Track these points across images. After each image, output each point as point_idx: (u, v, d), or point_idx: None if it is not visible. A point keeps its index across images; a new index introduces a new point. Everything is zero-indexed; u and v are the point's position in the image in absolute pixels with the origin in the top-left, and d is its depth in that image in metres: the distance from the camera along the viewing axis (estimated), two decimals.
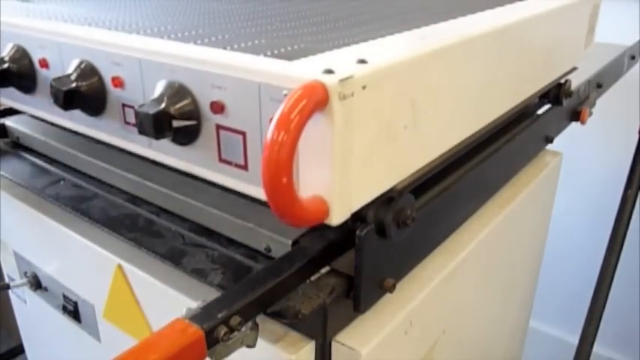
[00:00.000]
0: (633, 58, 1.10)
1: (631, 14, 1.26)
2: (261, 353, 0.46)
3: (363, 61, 0.40)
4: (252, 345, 0.41)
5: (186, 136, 0.46)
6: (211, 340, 0.37)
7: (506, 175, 0.73)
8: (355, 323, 0.49)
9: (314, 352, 0.48)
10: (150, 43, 0.48)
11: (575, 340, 1.16)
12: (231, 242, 0.52)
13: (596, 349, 1.17)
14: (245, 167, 0.44)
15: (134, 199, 0.59)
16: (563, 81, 0.76)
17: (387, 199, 0.45)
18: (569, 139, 0.90)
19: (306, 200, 0.38)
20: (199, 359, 0.36)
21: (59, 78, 0.51)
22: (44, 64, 0.57)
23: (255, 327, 0.42)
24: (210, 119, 0.44)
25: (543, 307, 1.28)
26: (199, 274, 0.48)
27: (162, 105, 0.44)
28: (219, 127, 0.44)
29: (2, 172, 0.67)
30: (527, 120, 0.74)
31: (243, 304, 0.39)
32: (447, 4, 0.69)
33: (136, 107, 0.44)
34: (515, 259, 0.86)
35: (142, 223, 0.56)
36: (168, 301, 0.54)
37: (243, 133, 0.43)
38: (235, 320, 0.38)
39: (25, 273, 0.76)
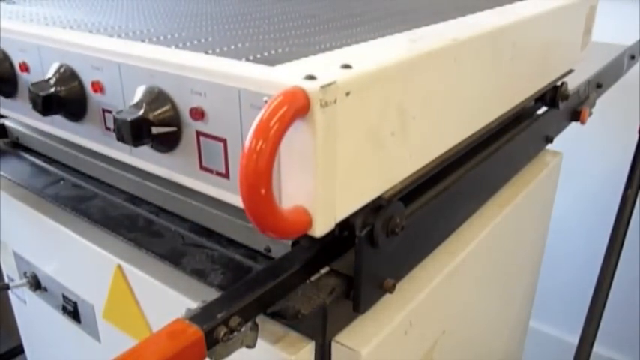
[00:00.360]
0: (633, 58, 1.10)
1: (631, 14, 1.26)
2: (261, 353, 0.46)
3: (347, 66, 0.38)
4: (252, 345, 0.41)
5: (166, 143, 0.45)
6: (211, 340, 0.37)
7: (506, 175, 0.73)
8: (355, 323, 0.49)
9: (314, 352, 0.48)
10: (130, 46, 0.47)
11: (575, 340, 1.16)
12: (231, 242, 0.52)
13: (596, 349, 1.17)
14: (226, 175, 0.43)
15: (134, 199, 0.59)
16: (559, 83, 0.76)
17: (375, 207, 0.44)
18: (569, 139, 0.90)
19: (287, 211, 0.37)
20: None
21: (38, 83, 0.50)
22: (25, 67, 0.55)
23: (255, 327, 0.42)
24: (191, 126, 0.43)
25: (543, 307, 1.28)
26: (199, 274, 0.48)
27: (141, 111, 0.43)
28: (199, 133, 0.43)
29: (2, 172, 0.67)
30: (526, 120, 0.74)
31: (243, 305, 0.39)
32: (442, 5, 0.69)
33: (114, 113, 0.43)
34: (516, 259, 0.86)
35: (141, 223, 0.56)
36: (168, 301, 0.54)
37: (224, 141, 0.42)
38: (235, 320, 0.38)
39: (25, 273, 0.76)
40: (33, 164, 0.68)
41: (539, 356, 1.44)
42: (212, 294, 0.44)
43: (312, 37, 0.51)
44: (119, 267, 0.59)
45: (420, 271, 0.56)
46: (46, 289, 0.74)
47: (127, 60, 0.46)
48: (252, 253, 0.50)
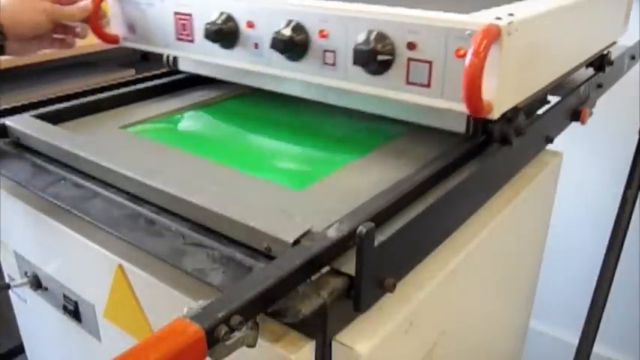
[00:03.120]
0: (633, 58, 1.10)
1: (631, 14, 1.26)
2: (261, 353, 0.46)
3: (511, 15, 0.57)
4: (252, 345, 0.41)
5: (382, 67, 0.62)
6: (212, 339, 0.37)
7: (507, 175, 0.73)
8: (355, 323, 0.49)
9: (314, 352, 0.48)
10: (356, 6, 0.64)
11: (575, 340, 1.16)
12: (231, 242, 0.52)
13: (596, 349, 1.17)
14: (428, 86, 0.61)
15: (134, 199, 0.59)
16: (606, 52, 0.93)
17: (507, 117, 0.64)
18: (569, 139, 0.90)
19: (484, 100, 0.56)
20: (200, 359, 0.37)
21: (279, 31, 0.67)
22: (250, 24, 0.72)
23: (256, 327, 0.42)
24: (403, 54, 0.61)
25: (543, 307, 1.29)
26: (199, 273, 0.48)
27: (371, 45, 0.61)
28: (410, 59, 0.61)
29: (2, 172, 0.67)
30: (527, 120, 0.74)
31: (243, 304, 0.39)
32: None
33: (355, 46, 0.62)
34: (516, 259, 0.86)
35: (142, 223, 0.56)
36: (169, 300, 0.54)
37: (430, 62, 0.60)
38: (236, 320, 0.38)
39: (26, 273, 0.76)
40: (33, 164, 0.68)
41: (539, 356, 1.45)
42: (213, 293, 0.44)
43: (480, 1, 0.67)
44: (120, 266, 0.59)
45: (421, 270, 0.56)
46: (46, 289, 0.74)
47: (355, 14, 0.63)
48: (252, 252, 0.50)
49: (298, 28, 0.68)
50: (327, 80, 0.69)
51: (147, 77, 0.95)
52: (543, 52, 0.67)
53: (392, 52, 0.62)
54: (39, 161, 0.69)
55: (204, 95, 0.91)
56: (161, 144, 0.74)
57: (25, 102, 0.80)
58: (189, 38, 0.79)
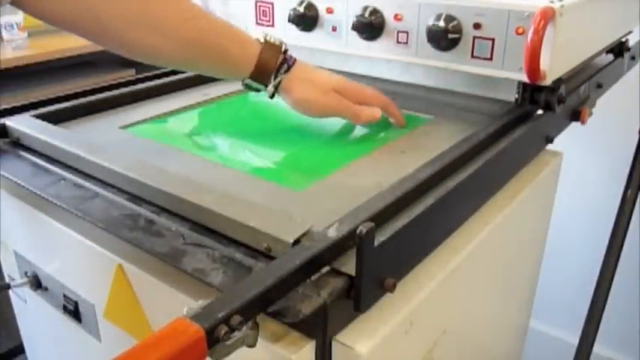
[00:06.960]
0: (633, 58, 1.10)
1: None
2: (261, 353, 0.46)
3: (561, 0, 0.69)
4: (252, 345, 0.41)
5: (451, 44, 0.74)
6: (212, 339, 0.37)
7: (507, 175, 0.73)
8: (356, 323, 0.49)
9: (314, 351, 0.48)
10: None
11: (575, 340, 1.16)
12: (231, 242, 0.52)
13: (596, 349, 1.17)
14: (490, 59, 0.73)
15: (135, 199, 0.59)
16: (624, 40, 1.04)
17: (550, 88, 0.74)
18: (569, 139, 0.90)
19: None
20: (200, 359, 0.37)
21: (361, 14, 0.79)
22: (330, 10, 0.84)
23: (256, 327, 0.42)
24: (469, 33, 0.74)
25: (543, 307, 1.28)
26: (200, 273, 0.48)
27: (443, 25, 0.73)
28: (475, 37, 0.74)
29: (2, 172, 0.67)
30: (527, 120, 0.74)
31: (243, 304, 0.39)
32: None
33: (429, 26, 0.75)
34: (516, 259, 0.86)
35: (142, 223, 0.56)
36: (169, 300, 0.54)
37: (493, 39, 0.72)
38: (236, 320, 0.38)
39: (26, 273, 0.76)
40: (33, 164, 0.68)
41: (539, 356, 1.44)
42: (212, 293, 0.44)
43: None
44: (120, 266, 0.59)
45: (421, 270, 0.56)
46: (46, 289, 0.74)
47: (427, 1, 0.76)
48: (252, 252, 0.50)
49: (375, 12, 0.80)
50: (399, 57, 0.80)
51: (147, 77, 0.95)
52: (581, 33, 0.79)
53: (460, 31, 0.73)
54: (39, 161, 0.69)
55: (205, 95, 0.91)
56: (161, 144, 0.74)
57: (25, 102, 0.80)
58: (270, 23, 0.91)
